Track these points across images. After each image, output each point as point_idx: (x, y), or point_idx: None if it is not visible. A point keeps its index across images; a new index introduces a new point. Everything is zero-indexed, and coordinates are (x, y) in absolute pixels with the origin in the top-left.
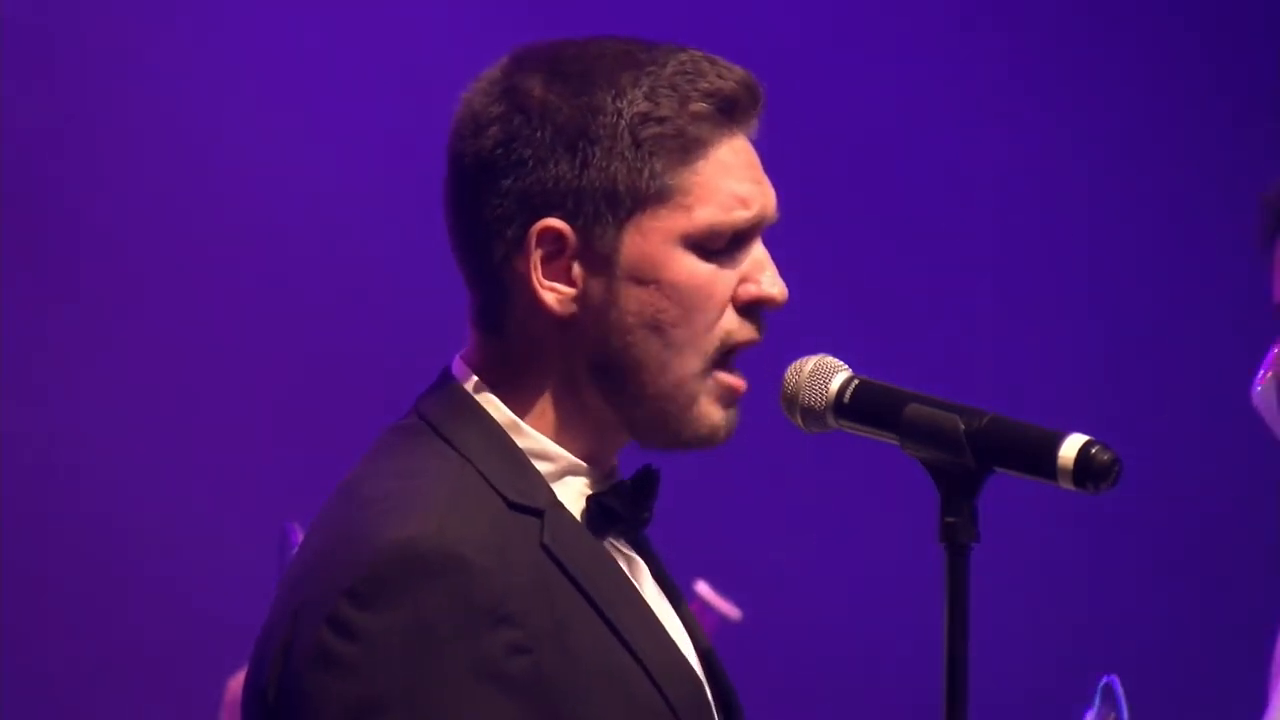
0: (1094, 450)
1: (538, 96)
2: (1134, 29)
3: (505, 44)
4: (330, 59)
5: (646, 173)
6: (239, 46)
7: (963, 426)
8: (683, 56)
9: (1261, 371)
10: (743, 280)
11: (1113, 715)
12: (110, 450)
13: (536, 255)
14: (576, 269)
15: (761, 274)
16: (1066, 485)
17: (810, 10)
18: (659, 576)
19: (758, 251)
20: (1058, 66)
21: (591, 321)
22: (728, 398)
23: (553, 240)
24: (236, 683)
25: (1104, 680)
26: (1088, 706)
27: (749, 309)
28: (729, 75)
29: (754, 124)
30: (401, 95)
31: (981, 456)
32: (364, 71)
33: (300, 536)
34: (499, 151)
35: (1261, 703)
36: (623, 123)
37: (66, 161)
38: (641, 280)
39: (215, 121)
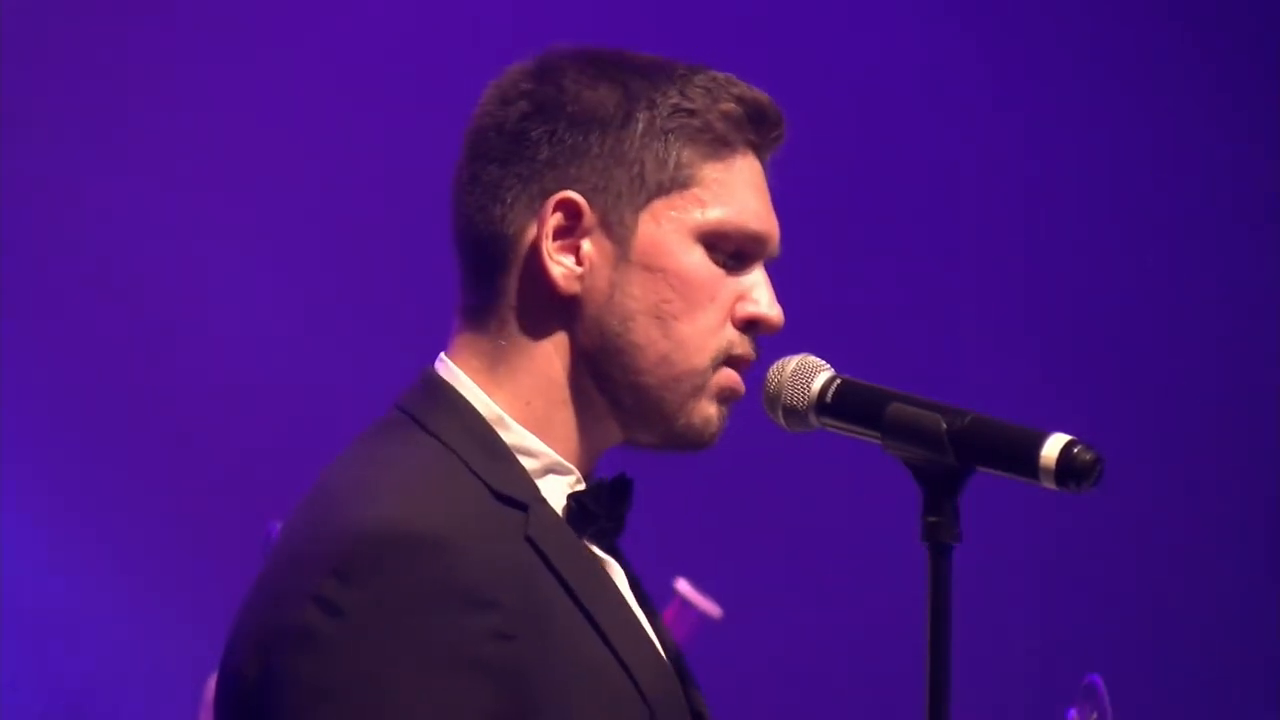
0: (1076, 450)
1: (572, 77)
2: (1131, 30)
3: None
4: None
5: (672, 161)
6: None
7: (945, 426)
8: (714, 71)
9: None
10: (740, 298)
11: (1095, 714)
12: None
13: (550, 225)
14: (587, 247)
15: (761, 295)
16: (1049, 485)
17: (800, 10)
18: (633, 583)
19: (759, 274)
20: (1052, 66)
21: (592, 303)
22: (724, 395)
23: (570, 214)
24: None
25: (1086, 679)
26: (1070, 705)
27: (745, 328)
28: (757, 91)
29: (769, 152)
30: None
31: (964, 456)
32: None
33: None
34: (525, 123)
35: (1243, 703)
36: (655, 110)
37: (64, 169)
38: (650, 267)
39: (207, 138)
